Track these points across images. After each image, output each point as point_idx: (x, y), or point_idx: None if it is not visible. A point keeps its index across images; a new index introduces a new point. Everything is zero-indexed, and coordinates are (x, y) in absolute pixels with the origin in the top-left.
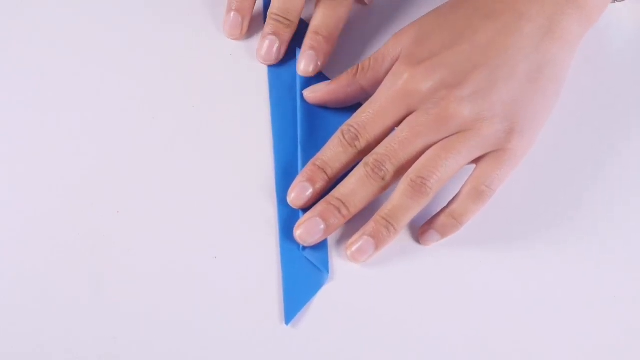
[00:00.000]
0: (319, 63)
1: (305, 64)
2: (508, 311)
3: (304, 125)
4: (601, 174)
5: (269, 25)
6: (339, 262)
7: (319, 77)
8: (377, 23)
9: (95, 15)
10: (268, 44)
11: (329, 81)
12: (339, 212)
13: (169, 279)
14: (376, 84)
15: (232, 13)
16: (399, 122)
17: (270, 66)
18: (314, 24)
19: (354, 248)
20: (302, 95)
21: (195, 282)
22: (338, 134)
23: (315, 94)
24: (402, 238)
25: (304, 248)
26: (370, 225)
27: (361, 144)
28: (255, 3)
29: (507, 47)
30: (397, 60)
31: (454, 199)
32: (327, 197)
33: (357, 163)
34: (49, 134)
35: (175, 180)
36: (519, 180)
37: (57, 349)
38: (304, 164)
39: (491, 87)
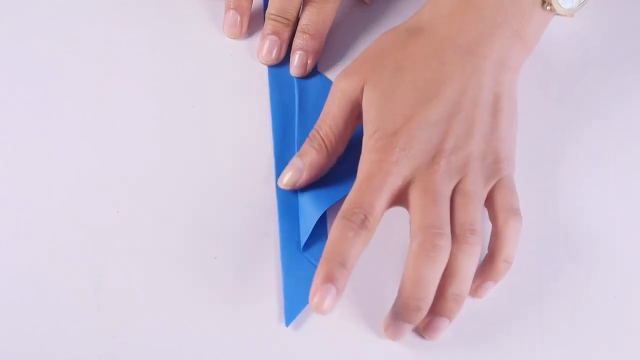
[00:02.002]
0: (309, 62)
1: (295, 66)
2: (508, 310)
3: (303, 125)
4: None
5: (268, 26)
6: None
7: (318, 77)
8: (377, 23)
9: (95, 15)
10: (268, 44)
11: (302, 168)
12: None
13: (169, 279)
14: (346, 143)
15: (230, 12)
16: (398, 191)
17: (270, 66)
18: (301, 24)
19: (430, 329)
20: (301, 95)
21: (196, 282)
22: (340, 220)
23: (299, 183)
24: (403, 237)
25: (305, 249)
26: (439, 305)
27: (372, 223)
28: (252, 1)
29: (474, 89)
30: (357, 116)
31: (499, 242)
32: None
33: None
34: (49, 134)
35: (175, 180)
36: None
37: (57, 349)
38: None
39: (470, 129)
